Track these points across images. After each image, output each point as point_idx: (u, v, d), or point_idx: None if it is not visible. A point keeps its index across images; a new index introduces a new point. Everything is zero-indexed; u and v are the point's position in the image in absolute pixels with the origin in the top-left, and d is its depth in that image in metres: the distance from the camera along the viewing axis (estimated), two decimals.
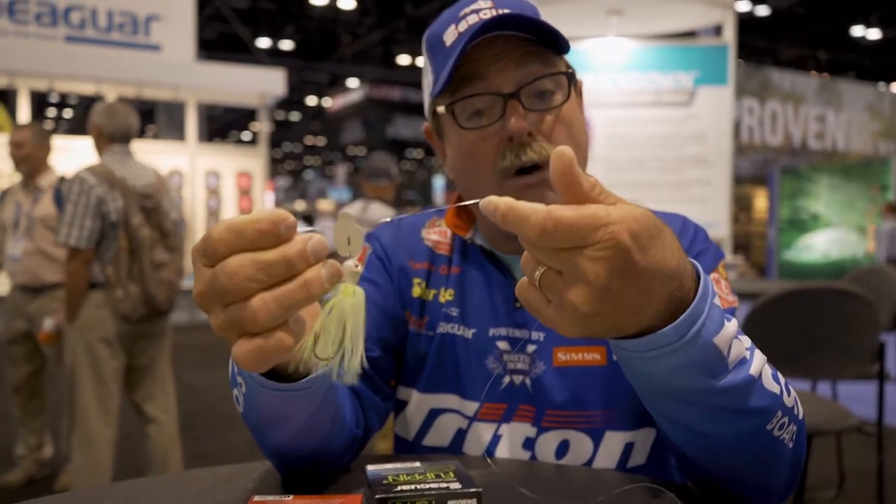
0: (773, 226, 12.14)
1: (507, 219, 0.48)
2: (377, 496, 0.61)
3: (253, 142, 20.78)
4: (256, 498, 0.63)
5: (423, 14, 13.07)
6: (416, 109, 23.57)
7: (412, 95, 22.32)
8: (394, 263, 0.93)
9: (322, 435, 0.71)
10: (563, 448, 0.84)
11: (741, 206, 16.01)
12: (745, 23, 12.24)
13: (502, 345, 0.87)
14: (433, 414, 0.89)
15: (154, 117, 11.62)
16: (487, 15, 0.81)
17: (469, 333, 0.89)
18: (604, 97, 5.51)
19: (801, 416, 0.66)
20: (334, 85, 22.08)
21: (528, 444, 0.85)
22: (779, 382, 0.62)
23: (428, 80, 0.88)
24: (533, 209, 0.47)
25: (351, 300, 0.49)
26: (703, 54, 5.46)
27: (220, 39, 14.37)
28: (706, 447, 0.63)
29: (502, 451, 0.85)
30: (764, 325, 2.11)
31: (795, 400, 0.65)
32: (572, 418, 0.84)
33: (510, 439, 0.85)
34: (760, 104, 12.26)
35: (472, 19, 0.81)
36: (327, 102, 23.80)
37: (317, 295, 0.47)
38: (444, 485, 0.63)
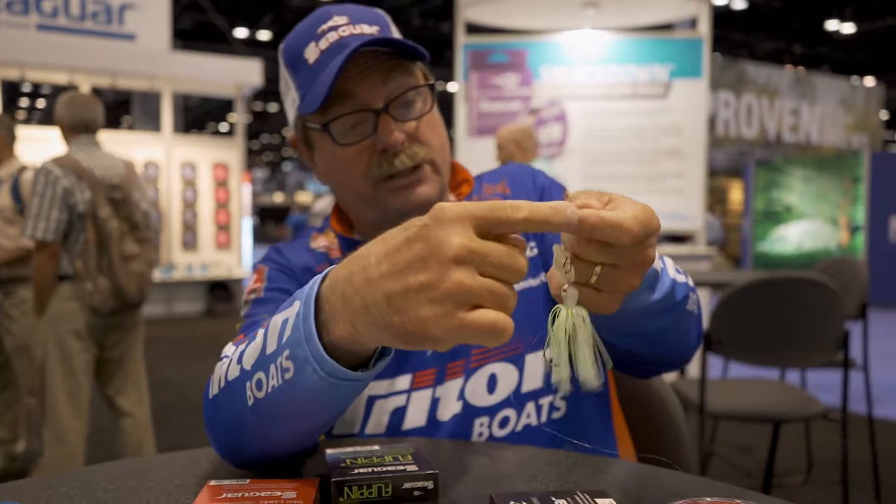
0: (748, 218, 12.27)
1: (596, 229, 0.52)
2: (333, 479, 0.62)
3: (230, 133, 20.60)
4: (213, 482, 0.63)
5: (401, 5, 13.01)
6: None
7: None
8: (297, 272, 0.95)
9: (319, 432, 0.70)
10: (492, 382, 0.89)
11: (717, 199, 16.18)
12: (723, 16, 12.33)
13: None
14: (370, 401, 0.90)
15: (130, 108, 11.47)
16: (346, 32, 0.87)
17: None
18: (580, 90, 5.53)
19: (692, 284, 0.81)
20: None
21: (461, 394, 0.88)
22: (679, 272, 0.76)
23: (292, 96, 0.93)
24: (623, 219, 0.52)
25: (572, 319, 0.55)
26: (678, 47, 5.50)
27: (196, 29, 14.20)
28: (652, 340, 0.79)
29: (441, 413, 0.88)
30: (733, 314, 2.14)
31: (686, 275, 0.79)
32: (495, 350, 0.89)
33: (446, 399, 0.89)
34: (736, 97, 12.37)
35: (333, 37, 0.87)
36: None
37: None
38: (402, 467, 0.64)
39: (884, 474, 3.02)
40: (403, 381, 0.89)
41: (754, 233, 11.81)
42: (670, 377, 3.02)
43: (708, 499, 0.51)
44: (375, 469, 0.64)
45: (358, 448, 0.71)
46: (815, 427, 3.28)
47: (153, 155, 8.93)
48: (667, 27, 6.28)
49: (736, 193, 15.97)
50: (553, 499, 0.56)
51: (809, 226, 10.74)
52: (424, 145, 0.91)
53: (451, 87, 14.78)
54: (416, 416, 0.88)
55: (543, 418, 0.89)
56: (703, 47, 5.42)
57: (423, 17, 13.45)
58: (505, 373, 0.89)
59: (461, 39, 5.51)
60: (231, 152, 9.53)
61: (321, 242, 0.99)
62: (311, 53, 0.88)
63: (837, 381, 2.32)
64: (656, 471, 0.70)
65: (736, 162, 15.16)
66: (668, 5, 5.68)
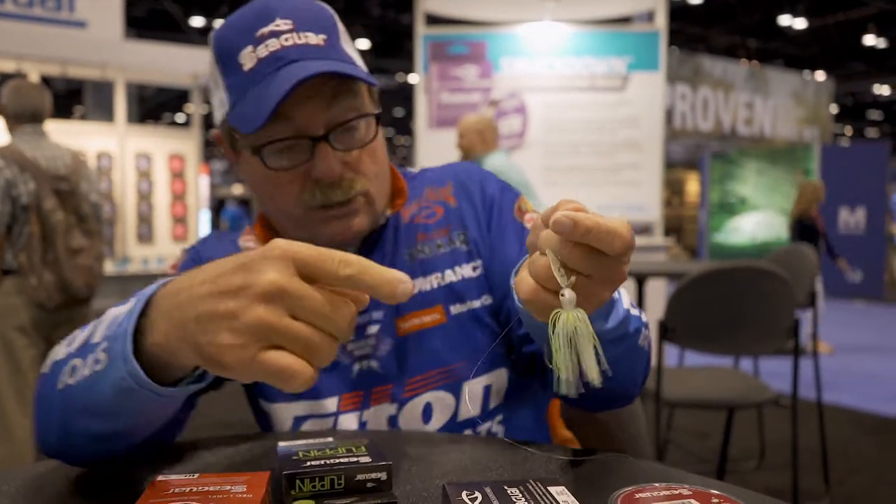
0: (704, 209, 12.49)
1: (591, 233, 0.50)
2: (285, 472, 0.61)
3: (187, 124, 20.24)
4: (161, 477, 0.61)
5: None
6: None
7: None
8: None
9: (122, 442, 0.67)
10: (427, 411, 0.87)
11: (674, 190, 16.43)
12: (680, 10, 12.49)
13: None
14: (297, 422, 0.88)
15: (82, 97, 11.18)
16: (289, 42, 0.80)
17: None
18: (540, 81, 5.56)
19: (645, 320, 0.78)
20: None
21: (393, 420, 0.87)
22: (634, 306, 0.73)
23: (221, 96, 0.85)
24: (617, 225, 0.51)
25: (574, 323, 0.53)
26: (635, 40, 5.56)
27: (150, 17, 13.87)
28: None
29: None
30: (687, 303, 2.17)
31: (640, 310, 0.77)
32: (430, 379, 0.87)
33: (374, 423, 0.87)
34: (693, 90, 12.56)
35: (273, 45, 0.80)
36: None
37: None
38: (354, 459, 0.63)
39: (832, 458, 3.12)
40: (331, 404, 0.88)
41: (710, 224, 12.02)
42: None
43: (657, 484, 0.51)
44: (328, 461, 0.63)
45: (311, 441, 0.70)
46: (768, 413, 3.37)
47: (106, 146, 8.71)
48: (625, 20, 6.34)
49: (693, 185, 16.24)
50: (506, 488, 0.56)
51: (763, 217, 10.99)
52: (361, 176, 0.85)
53: (412, 78, 14.73)
54: None
55: None
56: (660, 40, 5.49)
57: (382, 7, 13.34)
58: (441, 401, 0.87)
59: (421, 30, 5.49)
60: (188, 143, 9.34)
61: (249, 240, 0.95)
62: (248, 59, 0.80)
63: (788, 368, 2.38)
64: (609, 459, 0.71)
65: (692, 154, 15.41)
66: None
